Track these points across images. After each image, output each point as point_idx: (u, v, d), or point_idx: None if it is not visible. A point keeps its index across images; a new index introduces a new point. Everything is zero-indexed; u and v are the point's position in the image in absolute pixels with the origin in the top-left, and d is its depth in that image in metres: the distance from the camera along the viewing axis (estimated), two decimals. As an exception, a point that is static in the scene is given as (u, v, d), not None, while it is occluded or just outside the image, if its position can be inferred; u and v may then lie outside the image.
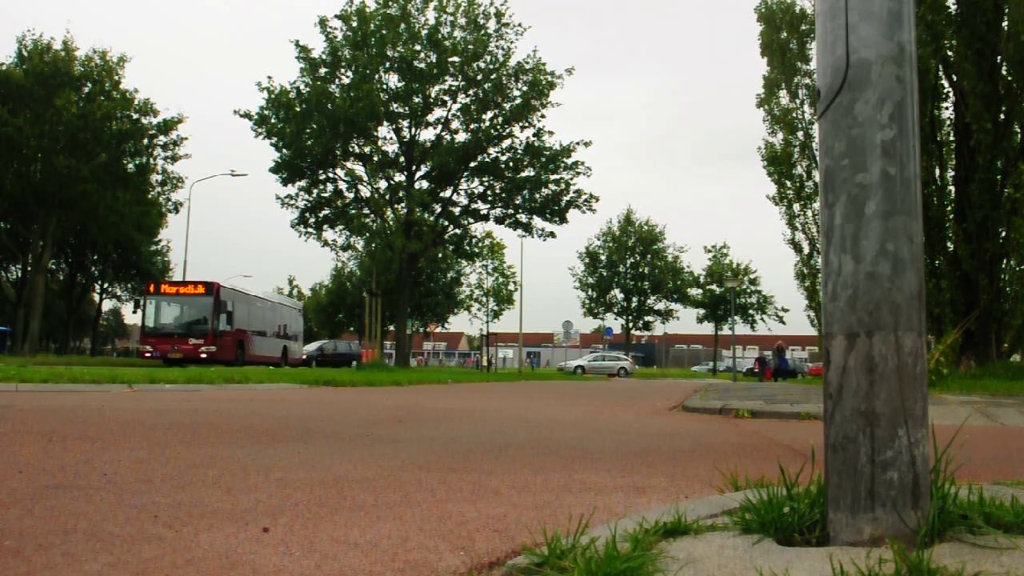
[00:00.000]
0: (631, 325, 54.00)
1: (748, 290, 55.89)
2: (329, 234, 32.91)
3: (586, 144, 31.72)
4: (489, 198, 33.08)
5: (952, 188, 17.50)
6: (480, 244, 36.39)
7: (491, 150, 31.99)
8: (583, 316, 54.49)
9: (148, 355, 25.68)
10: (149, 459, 3.33)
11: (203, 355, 25.11)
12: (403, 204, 31.17)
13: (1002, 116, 15.68)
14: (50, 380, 9.55)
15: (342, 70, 30.80)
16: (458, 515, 2.27)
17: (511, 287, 57.04)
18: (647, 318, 54.00)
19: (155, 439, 4.09)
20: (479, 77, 31.10)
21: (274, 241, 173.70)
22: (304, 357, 36.00)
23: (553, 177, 32.09)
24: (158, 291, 26.65)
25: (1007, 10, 15.49)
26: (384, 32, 29.86)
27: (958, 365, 15.16)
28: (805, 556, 1.50)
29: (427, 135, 32.58)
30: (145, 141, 35.91)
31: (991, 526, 1.61)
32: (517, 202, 32.70)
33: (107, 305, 67.88)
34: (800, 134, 29.15)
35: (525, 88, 31.08)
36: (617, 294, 53.48)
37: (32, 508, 2.22)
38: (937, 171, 17.74)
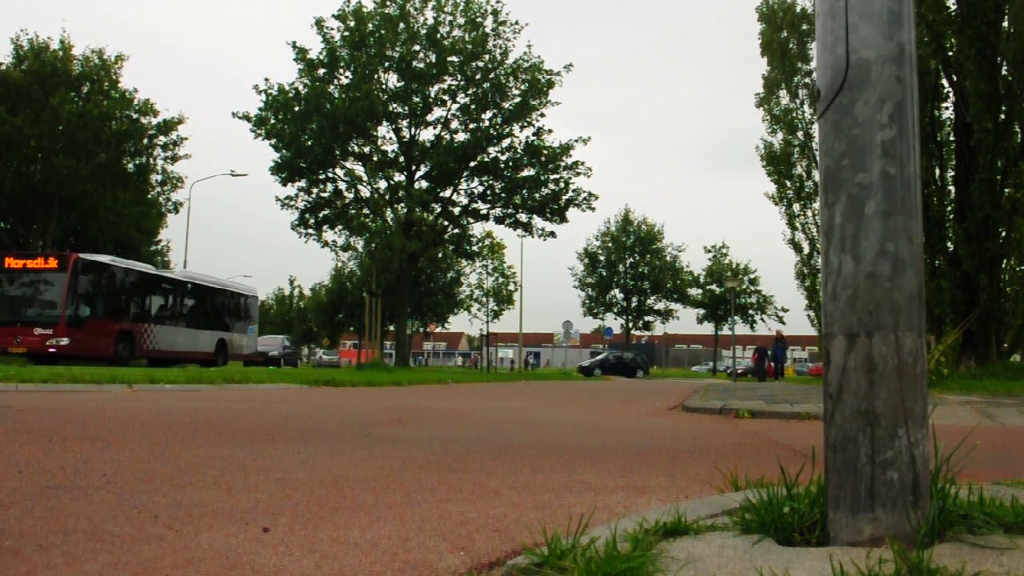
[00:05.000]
0: (631, 325, 54.03)
1: (748, 290, 55.94)
2: (329, 234, 32.91)
3: (585, 141, 31.73)
4: (489, 198, 33.07)
5: (952, 188, 17.52)
6: (480, 244, 36.39)
7: (491, 150, 31.99)
8: (583, 316, 54.56)
9: None
10: (149, 459, 3.33)
11: (51, 349, 19.34)
12: (403, 204, 31.15)
13: (1002, 116, 15.71)
14: (50, 380, 9.55)
15: (341, 70, 30.80)
16: (458, 515, 2.27)
17: (511, 287, 57.05)
18: (647, 318, 54.03)
19: (155, 439, 4.09)
20: (478, 76, 31.10)
21: (274, 241, 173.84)
22: (270, 354, 33.41)
23: (553, 177, 32.11)
24: (2, 267, 20.45)
25: (1007, 10, 15.51)
26: (383, 32, 29.87)
27: (958, 365, 15.17)
28: (805, 556, 1.50)
29: (427, 135, 32.62)
30: (145, 141, 35.87)
31: (991, 526, 1.61)
32: (517, 201, 32.68)
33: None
34: (800, 134, 29.19)
35: (524, 87, 31.08)
36: (617, 294, 53.49)
37: (32, 508, 2.22)
38: (937, 171, 17.76)
